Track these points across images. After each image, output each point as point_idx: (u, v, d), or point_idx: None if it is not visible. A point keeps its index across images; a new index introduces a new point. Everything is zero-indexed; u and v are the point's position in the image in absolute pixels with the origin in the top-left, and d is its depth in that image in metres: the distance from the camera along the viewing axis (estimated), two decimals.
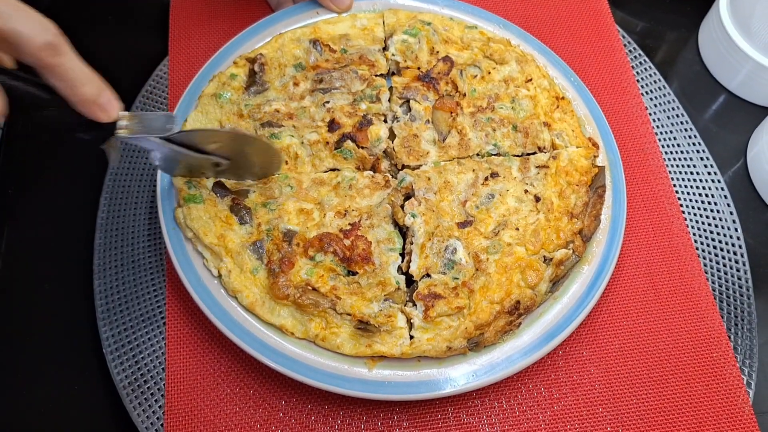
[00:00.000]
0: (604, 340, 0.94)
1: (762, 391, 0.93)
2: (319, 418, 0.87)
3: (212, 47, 1.12)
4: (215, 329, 0.87)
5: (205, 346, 0.91)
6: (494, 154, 0.99)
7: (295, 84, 1.01)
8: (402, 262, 0.90)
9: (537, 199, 0.94)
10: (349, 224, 0.91)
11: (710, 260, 1.02)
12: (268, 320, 0.85)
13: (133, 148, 1.08)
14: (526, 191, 0.95)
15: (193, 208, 0.90)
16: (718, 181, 1.09)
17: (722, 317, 0.97)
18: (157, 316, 0.95)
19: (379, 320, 0.84)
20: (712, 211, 1.07)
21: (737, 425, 0.88)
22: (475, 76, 1.04)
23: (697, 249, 1.03)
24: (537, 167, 0.97)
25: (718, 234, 1.04)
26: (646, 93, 1.18)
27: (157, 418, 0.88)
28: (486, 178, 0.95)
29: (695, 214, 1.06)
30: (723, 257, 1.02)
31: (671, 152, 1.12)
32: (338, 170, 0.96)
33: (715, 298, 0.98)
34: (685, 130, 1.14)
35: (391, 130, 0.99)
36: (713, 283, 1.00)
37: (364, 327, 0.83)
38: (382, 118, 1.00)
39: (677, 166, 1.11)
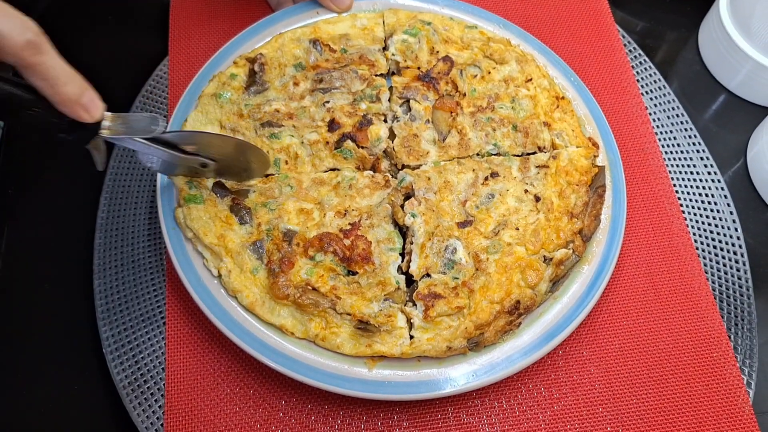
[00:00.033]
0: (604, 340, 0.94)
1: (762, 391, 0.93)
2: (319, 418, 0.88)
3: (212, 47, 1.12)
4: (215, 329, 0.87)
5: (205, 346, 0.92)
6: (494, 154, 0.99)
7: (295, 84, 1.01)
8: (402, 261, 0.90)
9: (537, 198, 0.94)
10: (349, 224, 0.90)
11: (710, 260, 1.02)
12: (268, 320, 0.85)
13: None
14: (526, 191, 0.95)
15: (193, 208, 0.90)
16: (718, 181, 1.09)
17: (722, 317, 0.97)
18: (157, 316, 0.95)
19: (379, 320, 0.84)
20: (712, 211, 1.07)
21: (737, 425, 0.88)
22: (475, 76, 1.04)
23: (697, 249, 1.03)
24: (537, 167, 0.97)
25: (718, 234, 1.04)
26: (646, 93, 1.18)
27: (157, 418, 0.88)
28: (486, 178, 0.95)
29: (695, 214, 1.06)
30: (723, 257, 1.02)
31: (671, 152, 1.12)
32: (338, 170, 0.96)
33: (715, 298, 0.98)
34: (685, 129, 1.14)
35: (391, 130, 0.99)
36: (713, 283, 1.00)
37: (364, 327, 0.83)
38: (382, 118, 1.00)
39: (677, 166, 1.11)
